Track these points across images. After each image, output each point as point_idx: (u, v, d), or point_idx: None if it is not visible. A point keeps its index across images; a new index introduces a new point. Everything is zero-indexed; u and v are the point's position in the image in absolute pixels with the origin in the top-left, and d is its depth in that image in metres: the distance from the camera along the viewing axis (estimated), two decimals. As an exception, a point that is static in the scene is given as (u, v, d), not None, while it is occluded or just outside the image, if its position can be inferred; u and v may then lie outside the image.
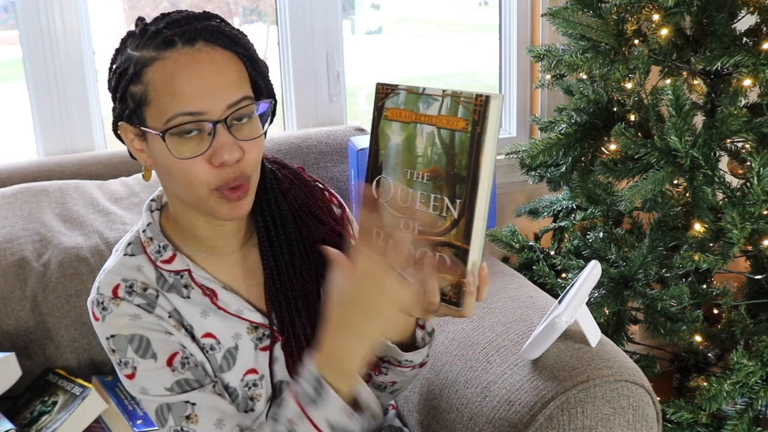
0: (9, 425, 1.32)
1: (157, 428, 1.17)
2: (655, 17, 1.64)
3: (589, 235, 1.83)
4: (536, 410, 1.16)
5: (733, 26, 1.62)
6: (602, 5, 1.72)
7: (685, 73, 1.74)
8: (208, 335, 1.07)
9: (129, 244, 1.09)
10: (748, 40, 1.62)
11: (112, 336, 1.04)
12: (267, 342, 1.09)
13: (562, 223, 1.97)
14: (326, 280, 1.09)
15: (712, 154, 1.58)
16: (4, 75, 2.34)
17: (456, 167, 0.92)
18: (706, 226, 1.59)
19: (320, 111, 2.06)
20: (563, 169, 1.86)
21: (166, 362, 1.03)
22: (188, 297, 1.07)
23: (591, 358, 1.21)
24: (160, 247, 1.08)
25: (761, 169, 1.50)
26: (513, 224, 1.98)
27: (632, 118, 1.78)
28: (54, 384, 1.45)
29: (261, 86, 1.03)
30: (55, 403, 1.39)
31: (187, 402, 1.02)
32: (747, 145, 1.66)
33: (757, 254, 1.73)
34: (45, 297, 1.49)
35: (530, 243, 1.94)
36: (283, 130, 2.08)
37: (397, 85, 0.96)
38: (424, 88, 0.94)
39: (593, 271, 1.28)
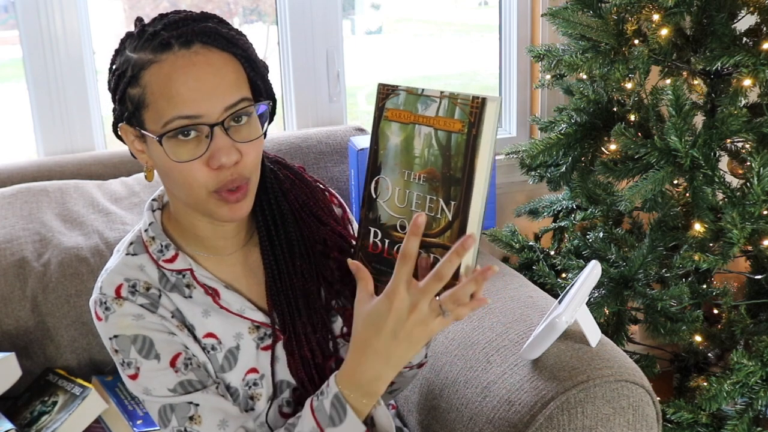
0: (9, 425, 1.32)
1: (158, 428, 1.17)
2: (655, 17, 1.64)
3: (589, 235, 1.83)
4: (536, 410, 1.16)
5: (733, 26, 1.62)
6: (602, 5, 1.72)
7: (685, 73, 1.74)
8: (210, 335, 1.07)
9: (131, 243, 1.09)
10: (748, 40, 1.62)
11: (115, 336, 1.04)
12: (269, 341, 1.09)
13: (562, 223, 1.97)
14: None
15: (712, 154, 1.58)
16: (4, 75, 2.34)
17: (452, 169, 0.92)
18: (706, 226, 1.59)
19: (320, 111, 2.06)
20: (563, 169, 1.86)
21: (170, 363, 1.03)
22: (190, 297, 1.07)
23: (591, 358, 1.21)
24: (162, 246, 1.08)
25: (761, 169, 1.50)
26: (513, 224, 1.98)
27: (632, 118, 1.78)
28: (54, 384, 1.45)
29: (260, 87, 1.02)
30: (55, 403, 1.39)
31: (191, 403, 1.02)
32: (747, 145, 1.66)
33: (757, 254, 1.73)
34: (45, 297, 1.49)
35: (530, 243, 1.94)
36: (283, 130, 2.08)
37: (397, 86, 0.97)
38: (423, 90, 0.95)
39: (593, 271, 1.28)
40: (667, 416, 1.63)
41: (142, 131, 0.99)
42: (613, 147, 1.78)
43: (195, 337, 1.07)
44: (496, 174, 1.91)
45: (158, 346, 1.03)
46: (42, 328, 1.50)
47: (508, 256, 2.06)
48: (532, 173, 1.96)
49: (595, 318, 1.29)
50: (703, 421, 1.62)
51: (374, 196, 0.99)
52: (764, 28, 1.64)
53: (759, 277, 1.79)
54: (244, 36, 1.02)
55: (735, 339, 1.74)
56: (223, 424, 1.02)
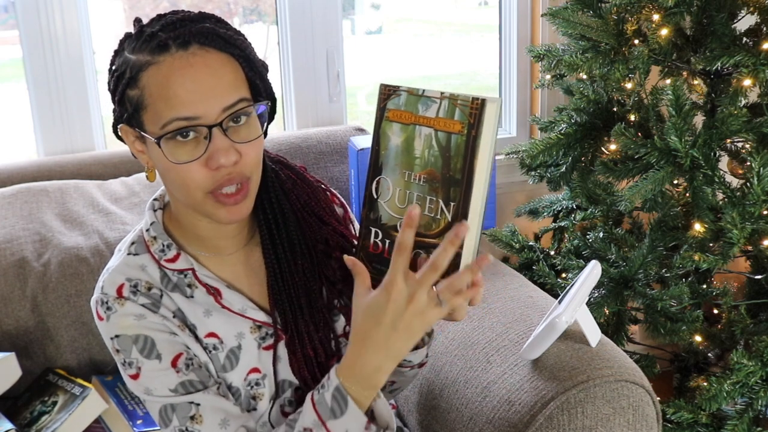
0: (9, 425, 1.32)
1: (158, 428, 1.17)
2: (655, 17, 1.64)
3: (589, 235, 1.83)
4: (536, 410, 1.16)
5: (733, 26, 1.62)
6: (602, 5, 1.72)
7: (685, 73, 1.74)
8: (211, 335, 1.07)
9: (132, 243, 1.09)
10: (748, 40, 1.62)
11: (117, 336, 1.04)
12: (270, 341, 1.09)
13: (562, 223, 1.97)
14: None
15: (712, 154, 1.58)
16: (4, 75, 2.34)
17: (451, 170, 0.92)
18: (706, 226, 1.59)
19: (320, 111, 2.06)
20: (563, 169, 1.86)
21: (171, 363, 1.03)
22: (192, 296, 1.07)
23: (591, 358, 1.21)
24: (163, 246, 1.08)
25: (761, 169, 1.50)
26: (513, 224, 1.98)
27: (632, 118, 1.78)
28: (54, 384, 1.45)
29: (259, 86, 1.02)
30: (55, 403, 1.39)
31: (192, 402, 1.03)
32: (747, 145, 1.66)
33: (757, 254, 1.73)
34: (45, 297, 1.49)
35: (530, 243, 1.94)
36: (283, 130, 2.08)
37: (398, 87, 0.97)
38: (423, 90, 0.95)
39: (593, 271, 1.28)
40: (667, 416, 1.63)
41: (142, 133, 0.99)
42: (613, 147, 1.78)
43: (196, 337, 1.07)
44: (496, 174, 1.91)
45: (160, 346, 1.03)
46: (42, 328, 1.50)
47: (508, 256, 2.06)
48: (532, 173, 1.96)
49: (595, 318, 1.29)
50: (703, 421, 1.62)
51: (375, 197, 0.99)
52: (764, 28, 1.64)
53: (759, 277, 1.79)
54: (243, 35, 1.02)
55: (735, 339, 1.74)
56: (225, 424, 1.02)
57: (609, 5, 1.70)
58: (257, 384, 1.08)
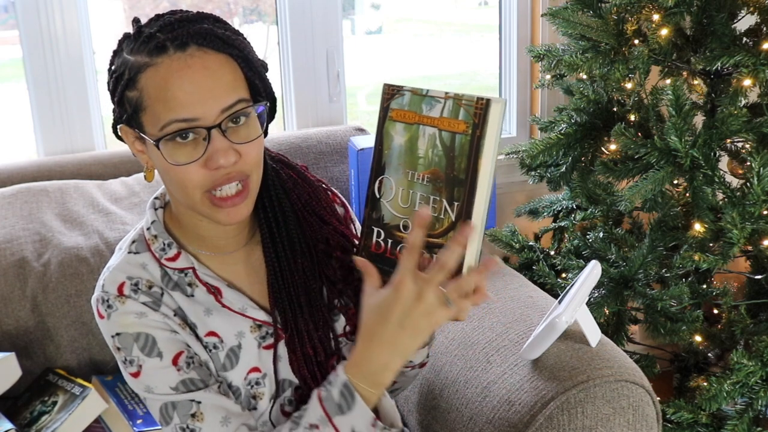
0: (9, 425, 1.32)
1: (158, 428, 1.17)
2: (655, 17, 1.64)
3: (589, 235, 1.83)
4: (536, 410, 1.16)
5: (733, 26, 1.62)
6: (602, 5, 1.72)
7: (685, 73, 1.74)
8: (212, 334, 1.07)
9: (133, 242, 1.09)
10: (748, 40, 1.62)
11: (118, 334, 1.04)
12: (270, 340, 1.09)
13: (562, 223, 1.97)
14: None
15: (712, 154, 1.58)
16: (4, 75, 2.34)
17: (455, 170, 0.92)
18: (706, 226, 1.59)
19: (320, 111, 2.06)
20: (563, 169, 1.86)
21: (172, 361, 1.03)
22: (192, 295, 1.07)
23: (591, 358, 1.21)
24: (164, 244, 1.08)
25: (761, 169, 1.50)
26: (513, 224, 1.98)
27: (632, 118, 1.78)
28: (54, 384, 1.45)
29: (258, 86, 1.02)
30: (55, 403, 1.39)
31: (193, 400, 1.03)
32: (747, 145, 1.66)
33: (757, 254, 1.73)
34: (45, 297, 1.49)
35: (530, 243, 1.94)
36: (283, 130, 2.08)
37: (402, 86, 0.97)
38: (428, 90, 0.95)
39: (593, 271, 1.28)
40: (667, 416, 1.63)
41: (141, 134, 0.99)
42: (613, 147, 1.78)
43: (197, 336, 1.07)
44: (496, 175, 1.91)
45: (161, 344, 1.03)
46: (42, 328, 1.50)
47: (508, 256, 2.06)
48: (532, 173, 1.96)
49: (595, 318, 1.29)
50: (703, 421, 1.62)
51: (378, 196, 0.99)
52: (764, 28, 1.64)
53: (759, 277, 1.79)
54: (241, 35, 1.02)
55: (735, 339, 1.74)
56: (226, 421, 1.02)
57: (609, 5, 1.70)
58: (257, 383, 1.08)
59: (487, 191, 0.92)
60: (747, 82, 1.56)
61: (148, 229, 1.09)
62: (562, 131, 1.82)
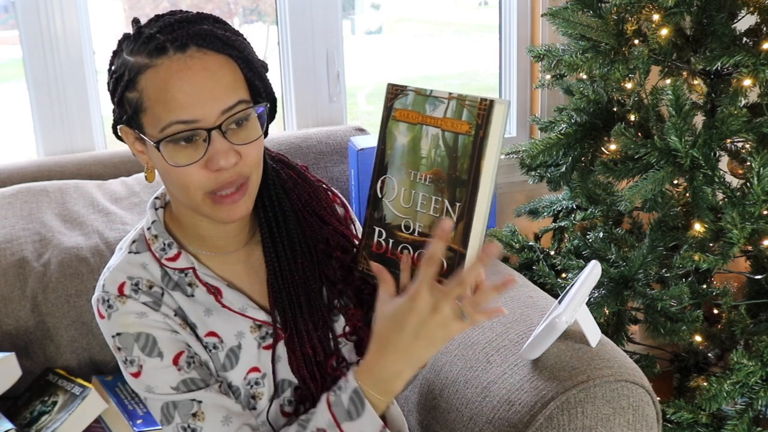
0: (9, 425, 1.32)
1: (158, 428, 1.17)
2: (655, 17, 1.64)
3: (589, 235, 1.83)
4: (536, 410, 1.16)
5: (733, 26, 1.62)
6: (602, 5, 1.72)
7: (685, 73, 1.74)
8: (211, 334, 1.07)
9: (134, 241, 1.09)
10: (748, 40, 1.62)
11: (118, 334, 1.04)
12: (270, 340, 1.09)
13: (562, 223, 1.97)
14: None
15: (712, 154, 1.58)
16: (4, 75, 2.34)
17: (458, 170, 0.92)
18: (706, 226, 1.59)
19: (320, 111, 2.06)
20: (563, 169, 1.86)
21: (173, 361, 1.03)
22: (192, 295, 1.07)
23: (591, 358, 1.21)
24: (164, 244, 1.08)
25: (761, 169, 1.50)
26: (513, 224, 1.98)
27: (632, 118, 1.78)
28: (54, 384, 1.44)
29: (258, 87, 1.02)
30: (55, 403, 1.39)
31: (193, 400, 1.03)
32: (747, 145, 1.66)
33: (757, 254, 1.73)
34: (45, 297, 1.49)
35: (530, 243, 1.94)
36: (283, 130, 2.08)
37: (406, 86, 0.97)
38: (431, 90, 0.95)
39: (593, 271, 1.28)
40: (667, 416, 1.63)
41: (141, 135, 0.99)
42: (613, 147, 1.78)
43: (197, 336, 1.07)
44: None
45: (161, 344, 1.03)
46: (42, 328, 1.49)
47: (508, 256, 2.06)
48: (532, 173, 1.96)
49: (595, 318, 1.29)
50: (703, 421, 1.62)
51: (380, 196, 0.99)
52: (764, 28, 1.64)
53: (759, 277, 1.79)
54: (241, 36, 1.02)
55: (735, 339, 1.74)
56: (227, 421, 1.02)
57: (609, 5, 1.70)
58: (257, 383, 1.08)
59: (490, 192, 0.92)
60: (747, 82, 1.56)
61: (148, 229, 1.09)
62: (562, 131, 1.82)
